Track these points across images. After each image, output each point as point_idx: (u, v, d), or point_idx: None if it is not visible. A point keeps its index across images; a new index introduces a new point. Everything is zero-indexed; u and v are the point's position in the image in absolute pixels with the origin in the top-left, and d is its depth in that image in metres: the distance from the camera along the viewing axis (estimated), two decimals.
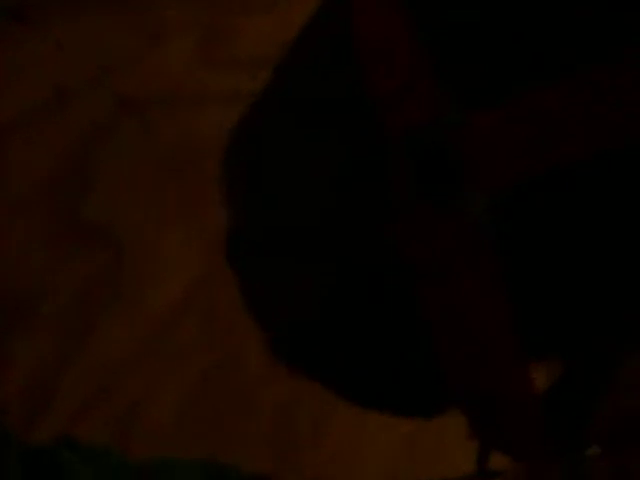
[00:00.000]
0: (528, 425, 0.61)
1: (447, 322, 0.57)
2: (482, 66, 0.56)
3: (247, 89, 0.67)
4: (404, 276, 0.57)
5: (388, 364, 0.62)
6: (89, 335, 1.05)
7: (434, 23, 0.57)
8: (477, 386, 0.60)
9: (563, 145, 0.53)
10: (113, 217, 1.07)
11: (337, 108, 0.61)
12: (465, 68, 0.56)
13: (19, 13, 0.96)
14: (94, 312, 1.05)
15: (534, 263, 0.56)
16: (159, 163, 1.13)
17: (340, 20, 0.60)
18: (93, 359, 1.06)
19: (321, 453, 1.55)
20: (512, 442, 0.63)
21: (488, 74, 0.55)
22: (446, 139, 0.55)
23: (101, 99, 1.04)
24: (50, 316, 0.98)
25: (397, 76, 0.57)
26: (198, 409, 1.27)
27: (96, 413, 1.06)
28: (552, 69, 0.53)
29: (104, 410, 1.08)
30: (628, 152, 0.51)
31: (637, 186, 0.53)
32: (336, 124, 0.61)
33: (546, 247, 0.55)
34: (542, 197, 0.54)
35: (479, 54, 0.56)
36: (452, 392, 0.60)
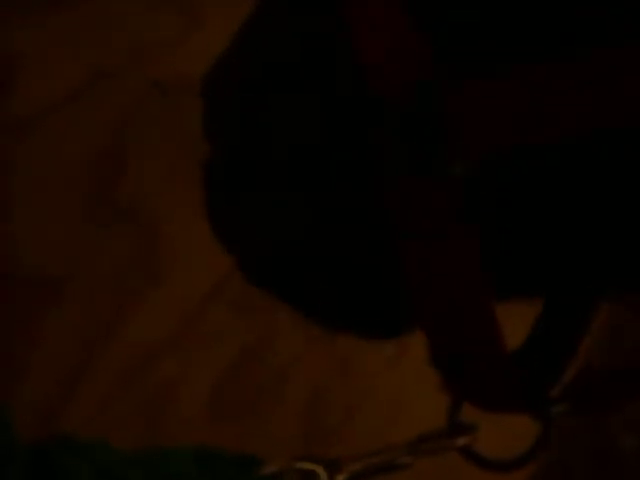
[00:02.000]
0: (499, 376, 0.61)
1: (423, 271, 0.58)
2: (473, 35, 0.56)
3: None
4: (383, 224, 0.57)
5: (356, 287, 0.62)
6: (122, 317, 1.05)
7: None
8: (448, 333, 0.60)
9: (547, 123, 0.54)
10: (147, 201, 1.07)
11: (317, 69, 0.60)
12: (457, 36, 0.56)
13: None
14: (127, 294, 1.06)
15: (509, 221, 0.57)
16: (193, 148, 1.12)
17: None
18: (126, 341, 1.06)
19: (351, 436, 1.55)
20: (483, 393, 0.64)
21: (479, 44, 0.55)
22: (431, 105, 0.55)
23: (137, 82, 1.04)
24: (82, 298, 0.98)
25: (384, 40, 0.58)
26: (230, 391, 1.27)
27: (129, 395, 1.07)
28: (544, 47, 0.53)
29: (137, 392, 1.09)
30: (607, 134, 0.52)
31: (609, 165, 0.54)
32: (316, 81, 0.61)
33: (520, 207, 0.56)
34: (523, 167, 0.55)
35: (472, 24, 0.55)
36: (430, 349, 0.60)
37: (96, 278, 1.00)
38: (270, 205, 0.61)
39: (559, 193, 0.55)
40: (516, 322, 0.65)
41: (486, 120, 0.54)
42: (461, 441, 0.68)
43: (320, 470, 0.68)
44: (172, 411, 1.14)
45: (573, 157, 0.53)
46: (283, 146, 0.60)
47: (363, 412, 1.71)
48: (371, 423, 1.67)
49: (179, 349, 1.16)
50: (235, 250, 0.63)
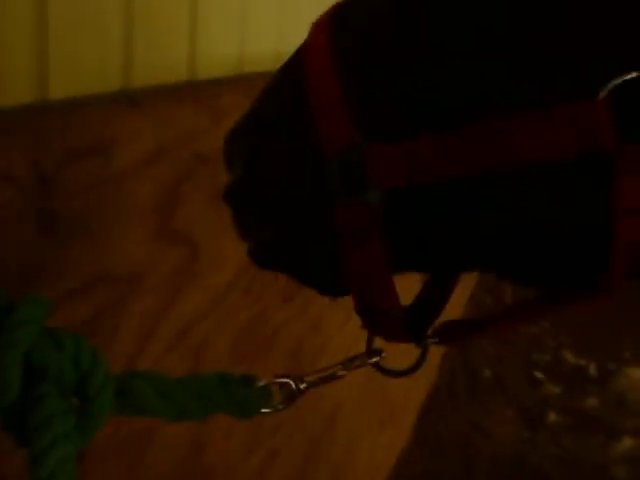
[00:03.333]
0: (396, 320, 0.67)
1: (354, 258, 0.63)
2: (385, 116, 0.59)
3: None
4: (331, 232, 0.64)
5: (316, 266, 0.69)
6: (175, 300, 1.09)
7: (357, 84, 0.60)
8: (369, 301, 0.66)
9: (424, 174, 0.57)
10: (192, 228, 1.11)
11: (294, 133, 0.66)
12: (375, 116, 0.60)
13: (133, 99, 0.98)
14: (180, 285, 1.10)
15: (406, 232, 0.62)
16: (221, 195, 1.14)
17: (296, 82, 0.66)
18: (179, 314, 1.10)
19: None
20: (386, 331, 0.70)
21: (388, 122, 0.59)
22: (358, 159, 0.60)
23: (186, 154, 1.07)
24: (150, 290, 1.01)
25: (332, 120, 0.61)
26: (244, 346, 1.33)
27: (180, 348, 1.11)
28: (441, 117, 0.57)
29: (185, 346, 1.13)
30: (464, 181, 0.57)
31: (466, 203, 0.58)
32: (293, 141, 0.66)
33: (414, 218, 0.61)
34: (412, 195, 0.59)
35: (385, 108, 0.59)
36: (356, 303, 0.67)
37: (159, 276, 1.03)
38: (268, 215, 0.69)
39: (438, 209, 0.59)
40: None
41: (391, 167, 0.58)
42: (373, 359, 0.80)
43: (290, 380, 0.77)
44: (206, 358, 1.18)
45: (447, 191, 0.58)
46: (274, 176, 0.67)
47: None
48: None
49: (210, 319, 1.19)
50: (249, 240, 0.74)
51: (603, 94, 0.51)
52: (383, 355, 0.80)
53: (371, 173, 0.59)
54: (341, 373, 0.79)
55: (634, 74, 0.51)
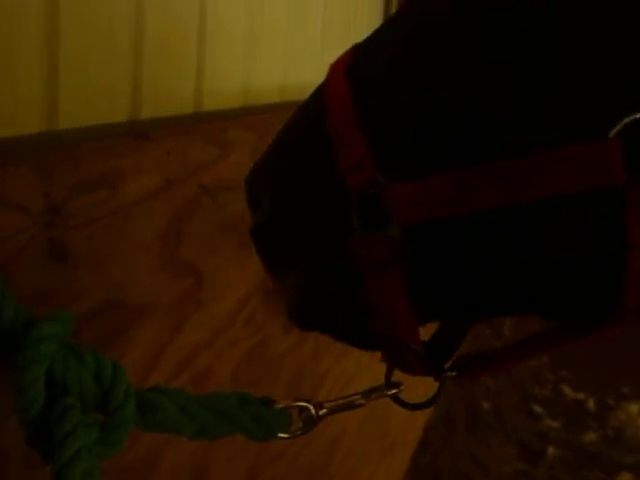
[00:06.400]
0: (416, 356, 0.68)
1: (377, 299, 0.64)
2: (404, 155, 0.61)
3: None
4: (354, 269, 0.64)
5: (348, 323, 0.69)
6: (181, 328, 1.10)
7: (377, 125, 0.62)
8: (389, 335, 0.67)
9: (442, 210, 0.58)
10: (197, 258, 1.12)
11: (318, 175, 0.67)
12: (394, 156, 0.61)
13: (144, 133, 1.00)
14: (184, 314, 1.11)
15: (426, 265, 0.62)
16: (225, 226, 1.18)
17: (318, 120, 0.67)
18: (182, 342, 1.11)
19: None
20: (406, 365, 0.70)
21: (407, 161, 0.60)
22: (379, 196, 0.61)
23: (192, 186, 1.09)
24: (157, 317, 1.02)
25: (353, 160, 0.63)
26: (244, 376, 1.32)
27: (183, 376, 1.11)
28: (445, 161, 0.58)
29: (188, 374, 1.13)
30: (476, 219, 0.58)
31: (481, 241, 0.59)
32: (318, 182, 0.67)
33: (432, 256, 0.62)
34: (431, 231, 0.60)
35: (404, 148, 0.61)
36: (377, 339, 0.68)
37: (165, 304, 1.04)
38: (293, 254, 0.70)
39: (456, 245, 0.60)
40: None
41: (409, 204, 0.60)
42: (392, 391, 0.79)
43: (310, 406, 0.77)
44: (208, 384, 1.18)
45: (464, 228, 0.59)
46: (297, 214, 0.69)
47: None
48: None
49: (213, 347, 1.20)
50: (277, 278, 0.74)
51: (614, 132, 0.53)
52: (401, 388, 0.79)
53: (391, 209, 0.60)
54: (360, 402, 0.79)
55: None
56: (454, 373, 0.74)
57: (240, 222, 1.11)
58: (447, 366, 0.75)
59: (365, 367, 1.79)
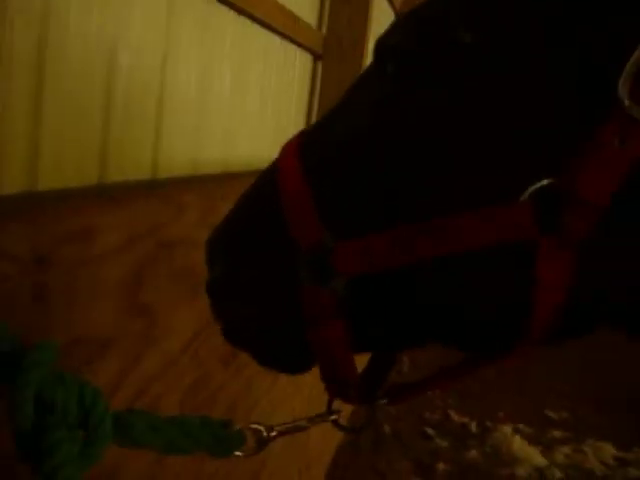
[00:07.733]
0: (351, 386, 0.69)
1: (318, 338, 0.65)
2: (348, 218, 0.62)
3: None
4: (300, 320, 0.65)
5: (296, 361, 0.71)
6: (139, 359, 1.09)
7: (324, 195, 0.63)
8: (329, 368, 0.68)
9: (378, 262, 0.59)
10: (153, 301, 1.12)
11: (271, 237, 0.67)
12: (340, 218, 0.62)
13: (109, 194, 0.97)
14: (141, 347, 1.10)
15: (365, 310, 0.63)
16: (178, 275, 1.18)
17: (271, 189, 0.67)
18: (140, 372, 1.10)
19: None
20: (344, 396, 0.71)
21: (350, 223, 0.61)
22: (325, 254, 0.62)
23: (151, 242, 1.08)
24: (116, 353, 1.01)
25: (304, 222, 0.63)
26: (189, 404, 1.30)
27: (138, 405, 1.08)
28: (381, 223, 0.60)
29: (142, 403, 1.10)
30: (408, 272, 0.59)
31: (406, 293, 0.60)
32: (269, 242, 0.67)
33: (370, 302, 0.62)
34: (371, 282, 0.61)
35: (348, 212, 0.62)
36: (322, 374, 0.68)
37: (125, 339, 1.02)
38: (246, 302, 0.69)
39: (391, 296, 0.61)
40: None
41: (353, 260, 0.60)
42: (333, 417, 0.79)
43: (262, 428, 0.76)
44: (161, 409, 1.15)
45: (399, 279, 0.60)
46: (252, 273, 0.68)
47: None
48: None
49: (166, 377, 1.18)
50: (223, 321, 0.73)
51: (524, 197, 0.55)
52: (341, 413, 0.79)
53: (336, 264, 0.61)
54: (305, 426, 0.78)
55: (546, 181, 0.54)
56: (385, 400, 0.74)
57: (191, 272, 1.18)
58: (379, 394, 0.75)
59: (291, 395, 1.78)
